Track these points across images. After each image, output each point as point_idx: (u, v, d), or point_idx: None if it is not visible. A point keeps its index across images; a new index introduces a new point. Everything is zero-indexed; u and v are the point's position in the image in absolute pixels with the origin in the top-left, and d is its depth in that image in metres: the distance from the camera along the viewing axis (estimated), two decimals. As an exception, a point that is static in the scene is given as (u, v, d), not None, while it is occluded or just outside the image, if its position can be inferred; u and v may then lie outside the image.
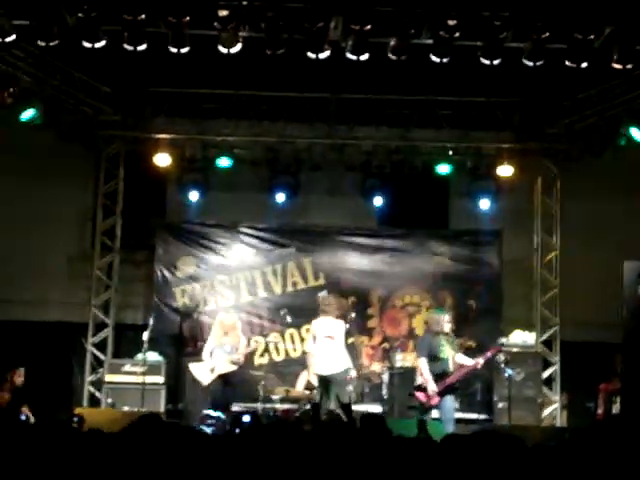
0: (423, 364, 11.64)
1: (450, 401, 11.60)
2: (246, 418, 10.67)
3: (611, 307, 11.90)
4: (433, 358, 11.61)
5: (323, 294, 13.03)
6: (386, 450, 4.12)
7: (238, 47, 10.39)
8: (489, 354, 11.90)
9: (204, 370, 12.32)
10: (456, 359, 11.68)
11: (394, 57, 10.40)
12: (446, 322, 11.77)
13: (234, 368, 12.36)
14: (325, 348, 12.08)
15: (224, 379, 12.36)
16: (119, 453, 3.82)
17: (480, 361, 11.67)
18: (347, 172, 14.21)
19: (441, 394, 11.49)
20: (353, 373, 12.30)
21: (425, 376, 11.57)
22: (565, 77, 12.79)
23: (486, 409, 13.46)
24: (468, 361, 11.71)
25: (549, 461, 3.59)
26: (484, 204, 14.07)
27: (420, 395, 11.68)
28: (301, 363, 13.73)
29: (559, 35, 10.33)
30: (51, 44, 10.10)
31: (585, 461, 3.73)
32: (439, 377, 11.52)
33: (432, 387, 11.50)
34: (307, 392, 12.82)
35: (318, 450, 4.11)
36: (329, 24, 10.52)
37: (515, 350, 13.36)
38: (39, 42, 10.20)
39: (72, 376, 14.06)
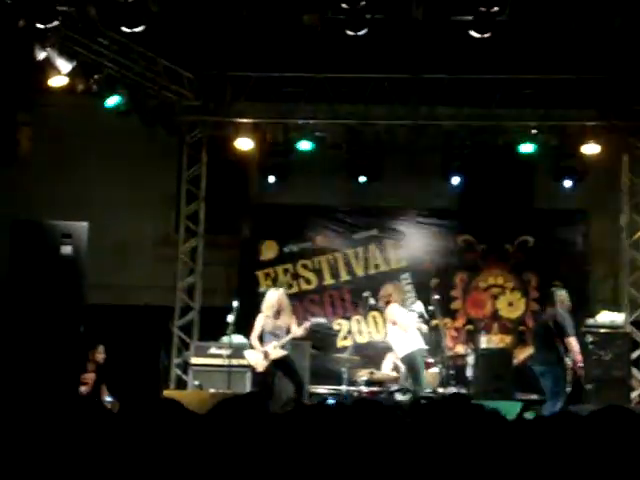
0: (576, 342, 11.61)
1: None
2: (330, 401, 10.67)
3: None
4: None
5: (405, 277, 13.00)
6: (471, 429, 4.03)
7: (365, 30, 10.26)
8: None
9: (257, 356, 11.94)
10: None
11: (477, 35, 10.27)
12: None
13: (285, 353, 11.89)
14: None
15: (280, 365, 11.89)
16: (210, 433, 3.83)
17: None
18: (428, 153, 14.09)
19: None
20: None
21: (577, 353, 11.60)
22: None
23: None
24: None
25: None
26: (569, 183, 13.85)
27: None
28: (384, 345, 13.72)
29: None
30: (135, 30, 10.21)
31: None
32: None
33: (582, 364, 11.64)
34: (393, 374, 12.80)
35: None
36: (410, 4, 10.48)
37: (603, 331, 13.14)
38: (123, 28, 10.33)
39: (159, 359, 14.25)
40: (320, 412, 4.13)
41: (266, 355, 11.82)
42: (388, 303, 12.45)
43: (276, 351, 11.80)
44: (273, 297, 12.09)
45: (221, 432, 3.76)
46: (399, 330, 12.23)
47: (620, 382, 13.06)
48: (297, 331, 11.97)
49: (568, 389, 11.62)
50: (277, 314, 11.96)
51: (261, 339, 11.96)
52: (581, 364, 11.52)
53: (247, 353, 12.18)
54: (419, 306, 12.72)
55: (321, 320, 12.46)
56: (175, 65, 13.53)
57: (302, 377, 12.04)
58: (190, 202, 14.63)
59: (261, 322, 11.95)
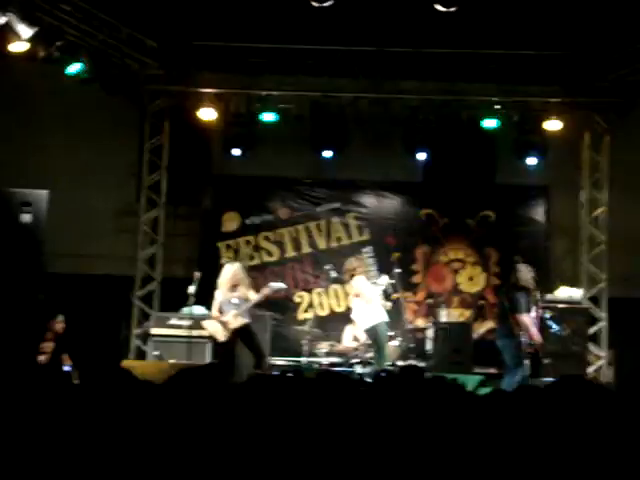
0: (528, 319, 11.50)
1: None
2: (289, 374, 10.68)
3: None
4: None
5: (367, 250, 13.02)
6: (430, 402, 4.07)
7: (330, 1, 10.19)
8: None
9: (216, 326, 11.87)
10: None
11: (442, 9, 10.26)
12: (533, 275, 11.72)
13: (246, 321, 11.78)
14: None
15: (241, 334, 11.80)
16: (170, 403, 3.83)
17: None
18: (392, 127, 14.06)
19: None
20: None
21: (532, 330, 11.49)
22: (614, 29, 12.59)
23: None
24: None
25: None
26: (531, 159, 13.92)
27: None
28: (345, 318, 13.77)
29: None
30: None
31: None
32: None
33: (539, 339, 11.58)
34: (353, 346, 12.85)
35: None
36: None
37: (561, 306, 13.27)
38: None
39: (119, 329, 14.21)
40: (279, 383, 4.14)
41: (226, 325, 11.76)
42: (352, 276, 12.49)
43: (236, 320, 11.74)
44: (228, 272, 12.01)
45: (178, 402, 3.76)
46: (363, 302, 12.27)
47: (577, 357, 13.22)
48: (255, 297, 11.85)
49: (527, 363, 11.66)
50: (233, 288, 11.88)
51: (221, 312, 11.89)
52: (537, 339, 11.54)
53: (207, 323, 12.13)
54: (384, 279, 12.75)
55: (281, 285, 12.38)
56: (139, 33, 13.38)
57: (263, 348, 12.02)
58: (152, 172, 14.55)
59: (219, 297, 11.89)
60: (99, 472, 3.32)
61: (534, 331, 11.54)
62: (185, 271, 13.97)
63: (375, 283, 12.70)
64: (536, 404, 3.64)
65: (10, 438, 3.42)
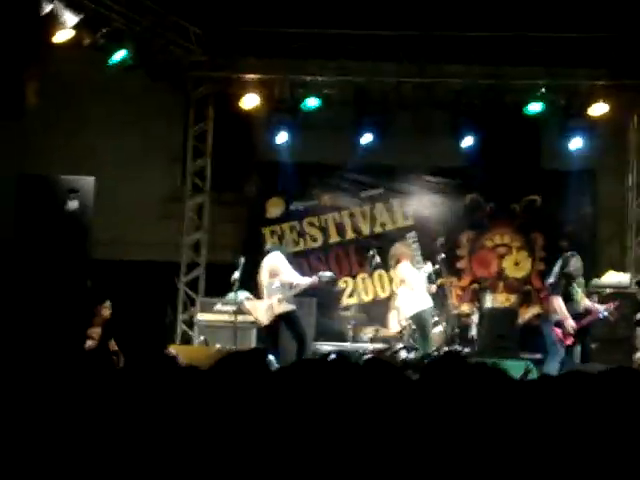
0: (559, 302, 11.41)
1: (576, 348, 11.46)
2: (332, 356, 10.68)
3: None
4: (567, 299, 11.45)
5: (411, 235, 13.00)
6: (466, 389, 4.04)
7: None
8: (613, 304, 11.83)
9: (260, 309, 11.93)
10: (585, 303, 11.60)
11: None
12: (578, 263, 11.58)
13: (291, 308, 11.80)
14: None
15: (285, 319, 11.81)
16: (215, 388, 3.85)
17: (609, 307, 11.63)
18: (436, 111, 14.00)
19: (576, 335, 11.39)
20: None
21: (564, 313, 11.36)
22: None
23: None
24: (596, 306, 11.63)
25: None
26: (577, 143, 13.76)
27: (558, 331, 11.48)
28: (389, 303, 13.77)
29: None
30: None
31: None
32: (572, 318, 11.40)
33: (572, 324, 11.34)
34: (398, 331, 12.84)
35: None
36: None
37: (608, 291, 13.14)
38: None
39: (165, 315, 14.31)
40: (323, 368, 4.14)
41: (270, 307, 11.79)
42: (398, 262, 12.47)
43: (281, 305, 11.77)
44: (268, 262, 12.06)
45: (223, 387, 3.78)
46: (407, 289, 12.26)
47: (625, 342, 13.10)
48: (303, 281, 11.89)
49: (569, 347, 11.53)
50: (274, 276, 11.93)
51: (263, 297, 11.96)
52: (568, 324, 11.33)
53: (249, 304, 12.17)
54: (429, 267, 12.70)
55: (330, 274, 12.34)
56: (183, 20, 13.42)
57: (306, 334, 12.03)
58: (196, 158, 14.60)
59: (262, 279, 11.94)
60: (145, 457, 3.36)
61: (565, 314, 11.37)
62: (230, 257, 14.00)
63: (420, 269, 12.66)
64: (583, 392, 3.61)
65: (58, 424, 3.46)
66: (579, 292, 11.56)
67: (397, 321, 13.04)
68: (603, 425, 3.39)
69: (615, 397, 3.50)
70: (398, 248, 12.70)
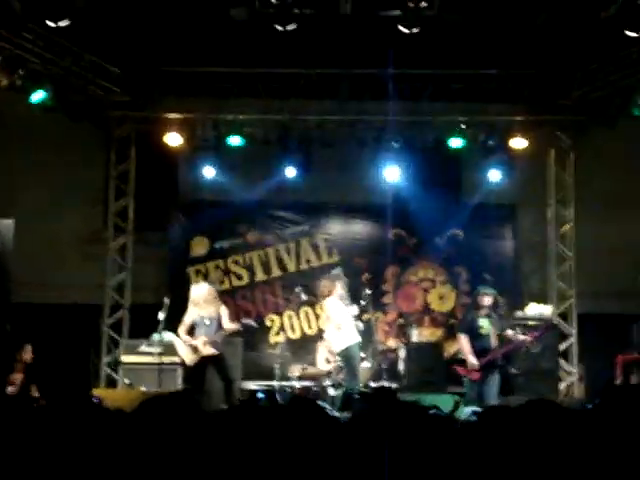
0: (462, 339, 11.71)
1: (493, 380, 11.58)
2: (260, 395, 10.61)
3: (627, 278, 11.87)
4: (473, 334, 11.64)
5: (336, 272, 13.01)
6: (398, 424, 4.04)
7: (294, 25, 10.23)
8: (538, 333, 12.00)
9: (185, 349, 11.77)
10: (507, 334, 11.75)
11: (405, 30, 10.31)
12: (486, 299, 11.73)
13: (217, 352, 11.62)
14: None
15: (212, 362, 11.68)
16: (141, 431, 3.78)
17: (528, 338, 11.79)
18: (359, 148, 14.10)
19: (482, 370, 11.52)
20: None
21: (464, 351, 11.64)
22: (576, 48, 12.71)
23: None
24: (517, 337, 11.76)
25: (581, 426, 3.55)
26: (497, 177, 13.97)
27: (458, 368, 11.79)
28: (317, 340, 13.74)
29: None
30: (60, 25, 10.05)
31: (607, 429, 3.68)
32: (480, 354, 11.54)
33: (472, 361, 11.52)
34: (325, 369, 12.81)
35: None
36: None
37: (532, 323, 13.31)
38: (48, 23, 10.15)
39: (89, 358, 14.08)
40: (252, 412, 4.09)
41: (195, 349, 11.68)
42: (324, 298, 12.43)
43: (206, 348, 11.67)
44: (200, 291, 11.95)
45: (148, 431, 3.71)
46: (333, 325, 12.22)
47: (549, 374, 13.26)
48: (229, 326, 11.81)
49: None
50: (204, 304, 11.81)
51: (192, 333, 11.81)
52: (470, 361, 11.52)
53: (177, 344, 12.05)
54: (354, 310, 12.62)
55: (252, 323, 12.29)
56: (102, 60, 13.32)
57: (233, 375, 11.92)
58: (119, 198, 14.48)
59: (190, 314, 11.81)
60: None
61: (466, 351, 11.61)
62: (154, 297, 13.87)
63: (347, 304, 12.62)
64: (506, 425, 3.63)
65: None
66: (484, 327, 11.69)
67: (324, 358, 13.01)
68: (526, 459, 3.40)
69: (534, 430, 3.52)
70: (324, 283, 12.66)
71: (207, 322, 11.69)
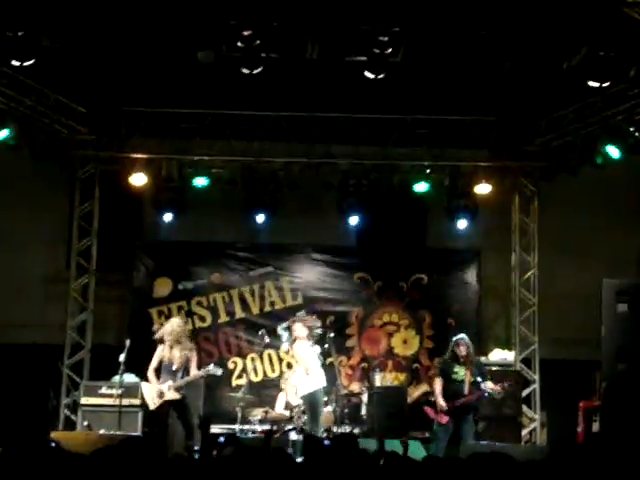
0: (436, 383, 12.05)
1: (467, 424, 11.78)
2: (221, 440, 10.44)
3: (590, 325, 11.90)
4: (447, 379, 11.92)
5: (301, 314, 12.94)
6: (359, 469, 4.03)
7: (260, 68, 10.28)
8: (505, 384, 12.12)
9: (151, 392, 11.67)
10: (485, 385, 11.92)
11: (371, 75, 10.37)
12: (463, 347, 11.92)
13: (180, 397, 11.55)
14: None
15: (174, 406, 11.60)
16: (97, 475, 3.73)
17: (498, 388, 11.92)
18: (324, 191, 14.11)
19: (450, 414, 11.64)
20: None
21: (435, 393, 11.94)
22: (540, 96, 12.86)
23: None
24: (486, 386, 11.94)
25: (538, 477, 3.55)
26: (462, 223, 14.00)
27: (428, 410, 12.01)
28: (279, 384, 13.65)
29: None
30: (25, 64, 10.01)
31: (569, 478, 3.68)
32: (450, 398, 11.76)
33: (440, 403, 11.77)
34: (286, 413, 12.72)
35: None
36: (306, 44, 10.55)
37: (495, 369, 13.31)
38: (13, 62, 10.11)
39: (48, 400, 13.87)
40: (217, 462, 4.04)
41: (161, 394, 11.58)
42: (294, 341, 12.34)
43: (171, 393, 11.56)
44: (169, 327, 11.86)
45: (107, 476, 3.65)
46: (302, 369, 12.14)
47: (511, 420, 13.24)
48: (196, 372, 11.70)
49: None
50: (175, 343, 11.70)
51: (159, 371, 11.70)
52: (439, 403, 11.80)
53: (143, 386, 11.93)
54: (317, 349, 12.56)
55: (218, 372, 12.20)
56: (67, 99, 13.29)
57: (194, 420, 11.78)
58: (82, 238, 14.35)
59: (159, 354, 11.71)
60: None
61: (437, 394, 11.88)
62: (116, 338, 13.76)
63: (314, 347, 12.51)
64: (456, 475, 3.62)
65: None
66: (459, 373, 11.82)
67: (284, 402, 12.93)
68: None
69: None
70: (297, 327, 12.53)
71: (174, 367, 11.59)
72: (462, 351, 11.89)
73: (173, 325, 11.92)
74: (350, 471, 4.04)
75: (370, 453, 7.88)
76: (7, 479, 3.65)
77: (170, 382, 11.58)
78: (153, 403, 11.67)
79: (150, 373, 11.73)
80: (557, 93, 12.41)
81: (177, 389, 11.57)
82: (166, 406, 11.58)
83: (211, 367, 11.96)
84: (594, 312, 11.40)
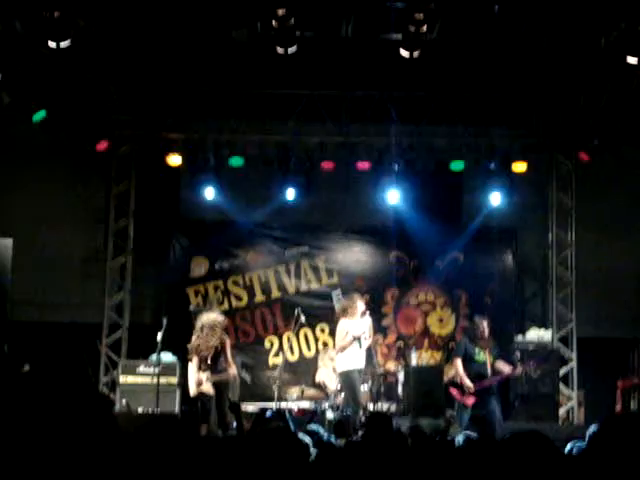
0: (458, 363, 12.14)
1: (493, 404, 11.82)
2: (268, 413, 10.46)
3: (628, 303, 11.84)
4: (468, 360, 12.03)
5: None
6: (392, 450, 4.03)
7: (294, 47, 10.24)
8: (528, 365, 12.15)
9: (192, 379, 11.56)
10: (496, 365, 11.93)
11: (406, 53, 10.31)
12: (483, 327, 12.06)
13: (213, 393, 11.40)
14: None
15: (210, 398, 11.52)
16: (134, 454, 3.76)
17: (518, 370, 11.94)
18: (360, 170, 14.07)
19: (476, 394, 11.67)
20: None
21: (460, 374, 12.02)
22: (578, 72, 12.72)
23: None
24: (506, 368, 11.98)
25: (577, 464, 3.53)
26: (498, 200, 13.94)
27: (454, 391, 12.12)
28: (315, 363, 13.70)
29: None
30: (61, 45, 10.05)
31: (610, 460, 3.65)
32: (474, 379, 11.87)
33: (467, 384, 11.88)
34: (324, 391, 12.75)
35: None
36: (340, 23, 10.52)
37: (532, 348, 13.27)
38: (49, 43, 10.15)
39: (86, 377, 14.01)
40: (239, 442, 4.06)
41: (199, 383, 11.59)
42: (338, 318, 12.41)
43: (208, 385, 11.49)
44: (206, 319, 11.79)
45: (146, 453, 3.68)
46: (341, 346, 12.19)
47: (548, 398, 13.20)
48: (233, 371, 11.65)
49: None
50: (207, 335, 11.67)
51: (201, 363, 11.63)
52: (466, 384, 11.94)
53: (189, 368, 11.92)
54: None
55: (247, 378, 12.19)
56: (104, 80, 13.33)
57: (227, 410, 11.75)
58: (119, 218, 14.46)
59: (194, 343, 11.67)
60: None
61: (461, 375, 12.02)
62: (153, 318, 13.87)
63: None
64: (489, 458, 3.61)
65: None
66: (481, 353, 11.94)
67: (322, 381, 12.96)
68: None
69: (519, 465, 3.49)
70: (342, 304, 12.53)
71: (209, 358, 11.55)
72: (484, 333, 12.01)
73: (210, 317, 11.82)
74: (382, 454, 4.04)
75: (404, 433, 7.93)
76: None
77: (208, 373, 11.52)
78: (192, 390, 11.69)
79: (193, 360, 11.68)
80: (595, 71, 12.25)
81: (213, 383, 11.53)
82: (202, 397, 11.61)
83: (243, 372, 12.04)
84: (632, 290, 11.33)
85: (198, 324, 11.66)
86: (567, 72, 12.60)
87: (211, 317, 11.80)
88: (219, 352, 11.54)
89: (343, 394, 12.19)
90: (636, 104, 12.55)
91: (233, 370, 11.78)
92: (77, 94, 12.93)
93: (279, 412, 10.79)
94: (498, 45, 10.64)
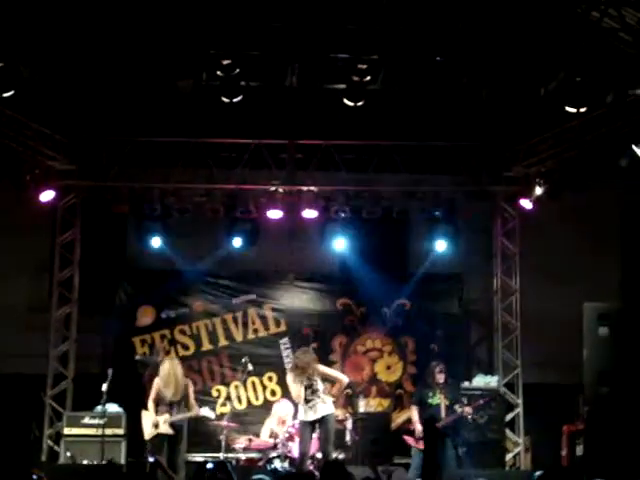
0: (413, 410, 12.37)
1: (446, 449, 11.88)
2: (210, 466, 10.39)
3: (572, 349, 11.91)
4: (423, 405, 12.18)
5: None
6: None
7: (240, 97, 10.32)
8: (479, 402, 12.20)
9: (148, 422, 11.74)
10: (454, 408, 12.02)
11: (350, 103, 10.43)
12: (438, 373, 12.15)
13: (172, 432, 11.65)
14: None
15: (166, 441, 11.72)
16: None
17: (467, 409, 11.95)
18: (306, 217, 14.12)
19: (429, 438, 11.83)
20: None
21: (413, 420, 12.23)
22: (519, 121, 12.95)
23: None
24: (458, 409, 12.04)
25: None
26: (444, 248, 14.05)
27: (409, 439, 12.23)
28: (263, 412, 13.62)
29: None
30: (4, 95, 10.03)
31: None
32: (427, 421, 11.94)
33: (419, 429, 12.03)
34: (271, 441, 12.65)
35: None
36: (285, 72, 10.62)
37: (478, 393, 13.30)
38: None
39: (30, 430, 13.79)
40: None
41: (156, 425, 11.58)
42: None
43: (165, 426, 11.59)
44: (164, 368, 11.89)
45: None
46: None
47: (495, 444, 13.24)
48: (195, 412, 11.87)
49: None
50: (169, 383, 11.76)
51: (157, 405, 11.78)
52: (417, 429, 12.10)
53: (143, 414, 11.91)
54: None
55: (211, 415, 12.24)
56: (48, 129, 13.29)
57: (179, 460, 11.75)
58: (64, 268, 14.32)
59: (156, 386, 11.79)
60: None
61: (415, 421, 12.20)
62: (99, 368, 13.69)
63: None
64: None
65: None
66: (435, 397, 12.09)
67: (270, 430, 12.85)
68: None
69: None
70: (302, 362, 12.30)
71: (169, 402, 11.68)
72: (439, 378, 12.13)
73: (166, 368, 11.87)
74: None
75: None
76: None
77: (167, 415, 11.57)
78: (148, 433, 11.66)
79: (150, 403, 11.79)
80: (535, 118, 12.48)
81: (172, 425, 11.57)
82: (159, 438, 11.60)
83: (205, 410, 12.06)
84: (576, 336, 11.41)
85: (163, 372, 11.78)
86: (509, 121, 12.83)
87: (174, 363, 11.95)
88: (177, 400, 11.66)
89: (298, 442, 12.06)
90: (576, 151, 12.77)
91: (196, 411, 11.86)
92: (22, 143, 12.85)
93: (221, 464, 10.72)
94: (440, 95, 10.81)
